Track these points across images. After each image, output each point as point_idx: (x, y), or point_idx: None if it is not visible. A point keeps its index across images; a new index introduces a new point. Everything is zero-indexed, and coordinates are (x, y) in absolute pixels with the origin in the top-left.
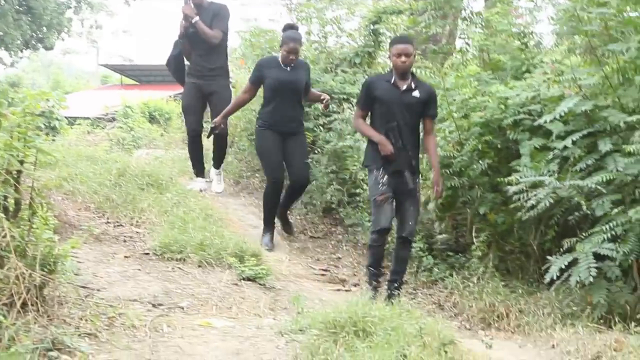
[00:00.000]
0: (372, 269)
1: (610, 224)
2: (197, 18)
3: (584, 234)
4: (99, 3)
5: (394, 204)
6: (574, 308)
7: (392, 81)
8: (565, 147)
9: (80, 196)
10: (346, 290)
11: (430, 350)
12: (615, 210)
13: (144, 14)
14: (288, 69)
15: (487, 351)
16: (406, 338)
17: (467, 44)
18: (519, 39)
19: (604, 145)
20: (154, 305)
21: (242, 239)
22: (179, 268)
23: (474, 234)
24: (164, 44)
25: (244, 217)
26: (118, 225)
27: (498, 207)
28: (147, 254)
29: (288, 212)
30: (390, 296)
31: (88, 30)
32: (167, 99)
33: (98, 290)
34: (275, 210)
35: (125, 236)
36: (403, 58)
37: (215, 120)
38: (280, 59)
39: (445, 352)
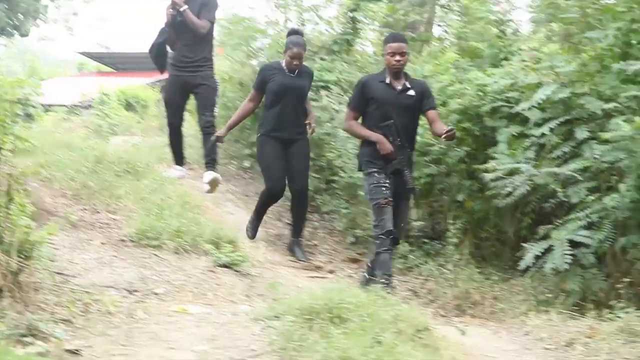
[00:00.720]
0: (387, 279)
1: (586, 212)
2: (185, 7)
3: (559, 221)
4: None
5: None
6: (548, 295)
7: (388, 81)
8: (542, 135)
9: (57, 183)
10: (322, 277)
11: (405, 337)
12: (591, 197)
13: (121, 1)
14: (292, 75)
15: (462, 337)
16: (381, 324)
17: (445, 31)
18: (497, 27)
19: (581, 133)
20: (129, 292)
21: (219, 225)
22: (155, 255)
23: (450, 221)
24: (141, 31)
25: (220, 204)
26: (94, 212)
27: (475, 195)
28: (124, 240)
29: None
30: (365, 284)
31: (64, 17)
32: (144, 86)
33: (74, 276)
34: (263, 216)
35: (101, 223)
36: (397, 57)
37: (219, 132)
38: (284, 64)
39: (420, 338)
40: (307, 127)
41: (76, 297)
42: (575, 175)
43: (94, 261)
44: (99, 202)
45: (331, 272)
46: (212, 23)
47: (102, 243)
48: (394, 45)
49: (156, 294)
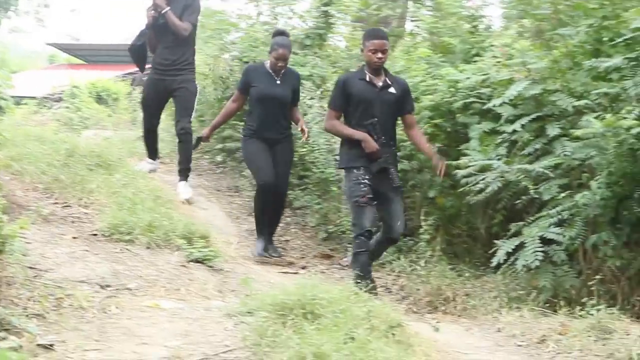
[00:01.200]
0: (362, 280)
1: (557, 209)
2: (167, 8)
3: (531, 218)
4: None
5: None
6: (520, 292)
7: (368, 79)
8: (514, 131)
9: (28, 176)
10: (294, 273)
11: (378, 333)
12: (562, 194)
13: None
14: (278, 80)
15: (434, 334)
16: (354, 320)
17: (417, 27)
18: (469, 22)
19: (552, 130)
20: (102, 287)
21: (191, 220)
22: (127, 249)
23: (422, 218)
24: (112, 23)
25: (193, 199)
26: (66, 206)
27: (447, 191)
28: (96, 235)
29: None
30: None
31: (35, 9)
32: (115, 79)
33: (46, 271)
34: (266, 216)
35: (73, 217)
36: (379, 55)
37: (203, 132)
38: (268, 66)
39: (393, 334)
40: (301, 133)
41: (49, 291)
42: (547, 172)
43: (66, 255)
44: (70, 196)
45: (303, 268)
46: (195, 26)
47: (74, 237)
48: (376, 42)
49: (129, 289)
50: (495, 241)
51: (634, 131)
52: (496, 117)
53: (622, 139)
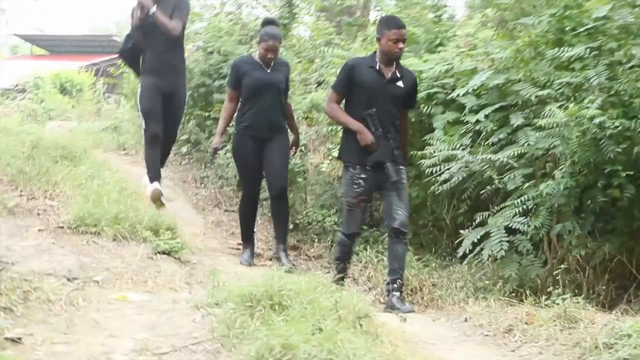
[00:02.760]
0: (339, 262)
1: (522, 198)
2: (154, 8)
3: (496, 208)
4: None
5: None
6: (487, 282)
7: (377, 68)
8: (478, 121)
9: None
10: (261, 265)
11: (346, 324)
12: (527, 184)
13: None
14: (268, 70)
15: (402, 324)
16: (322, 311)
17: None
18: (433, 12)
19: (516, 119)
20: (69, 279)
21: (157, 212)
22: (94, 242)
23: None
24: (76, 13)
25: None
26: (32, 199)
27: (412, 181)
28: (62, 227)
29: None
30: (392, 304)
31: None
32: (79, 70)
33: (12, 264)
34: (252, 224)
35: (39, 209)
36: (401, 44)
37: (215, 142)
38: (257, 57)
39: (361, 325)
40: (290, 149)
41: (15, 285)
42: (511, 162)
43: (32, 248)
44: (36, 188)
45: (270, 259)
46: (184, 25)
47: (40, 230)
48: (399, 31)
49: (96, 281)
50: (461, 231)
51: (596, 120)
52: (460, 107)
53: (585, 128)
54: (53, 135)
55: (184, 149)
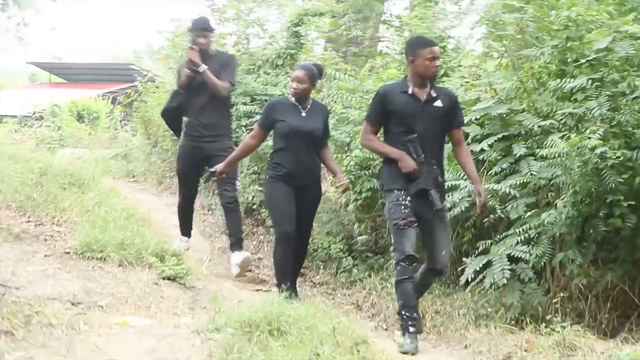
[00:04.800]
0: (405, 313)
1: (524, 227)
2: (204, 67)
3: (498, 237)
4: (26, 0)
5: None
6: (489, 309)
7: (411, 92)
8: (482, 150)
9: (0, 195)
10: (266, 291)
11: (343, 350)
12: (529, 213)
13: (72, 11)
14: (303, 113)
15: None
16: (320, 337)
17: (387, 47)
18: (438, 43)
19: (519, 149)
20: (73, 304)
21: (163, 238)
22: (100, 267)
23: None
24: (93, 42)
25: (166, 217)
26: (39, 224)
27: None
28: (68, 252)
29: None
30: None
31: (15, 28)
32: (96, 97)
33: (17, 288)
34: (288, 268)
35: (46, 235)
36: (437, 62)
37: (218, 166)
38: (292, 97)
39: (358, 351)
40: (340, 186)
41: (18, 309)
42: (514, 191)
43: (37, 273)
44: (43, 214)
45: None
46: (233, 85)
47: (47, 255)
48: (433, 49)
49: (100, 306)
50: (464, 259)
51: (598, 151)
52: (464, 136)
53: (587, 158)
54: (62, 162)
55: None
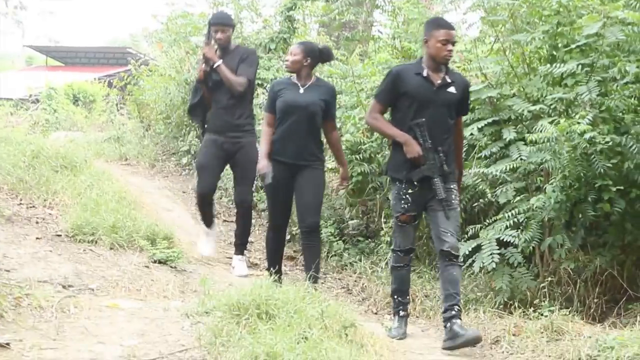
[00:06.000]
0: (397, 297)
1: (513, 212)
2: (219, 62)
3: (488, 221)
4: None
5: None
6: (478, 293)
7: (425, 74)
8: (471, 135)
9: None
10: (257, 275)
11: (331, 333)
12: (518, 197)
13: None
14: (301, 90)
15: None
16: (308, 321)
17: (379, 32)
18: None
19: (508, 134)
20: (64, 287)
21: (155, 222)
22: (91, 250)
23: (383, 220)
24: (90, 25)
25: (157, 200)
26: (31, 207)
27: None
28: (59, 235)
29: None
30: (454, 332)
31: (12, 11)
32: (92, 81)
33: (8, 271)
34: (278, 256)
35: (37, 218)
36: (450, 47)
37: (260, 165)
38: (295, 78)
39: (346, 334)
40: (341, 182)
41: (7, 291)
42: (504, 175)
43: (29, 256)
44: (35, 197)
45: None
46: (252, 81)
47: (38, 238)
48: (449, 32)
49: (91, 289)
50: None
51: (587, 136)
52: None
53: (576, 143)
54: (55, 145)
55: (184, 160)
